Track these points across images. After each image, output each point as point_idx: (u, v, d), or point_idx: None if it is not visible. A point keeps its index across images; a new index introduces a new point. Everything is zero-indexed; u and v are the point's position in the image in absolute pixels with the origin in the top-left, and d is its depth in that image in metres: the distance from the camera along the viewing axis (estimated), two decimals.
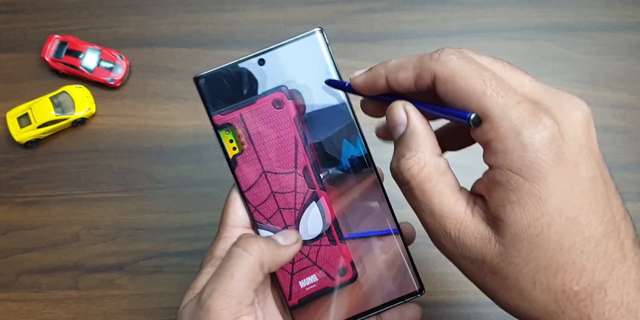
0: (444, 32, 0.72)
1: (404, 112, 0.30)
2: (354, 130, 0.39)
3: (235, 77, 0.38)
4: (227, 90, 0.38)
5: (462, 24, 0.72)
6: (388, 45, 0.71)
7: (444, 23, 0.72)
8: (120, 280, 0.66)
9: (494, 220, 0.28)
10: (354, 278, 0.40)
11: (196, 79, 0.38)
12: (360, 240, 0.40)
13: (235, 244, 0.36)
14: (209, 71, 0.38)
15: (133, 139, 0.70)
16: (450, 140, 0.36)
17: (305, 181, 0.39)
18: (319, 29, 0.38)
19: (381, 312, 0.40)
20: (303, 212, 0.40)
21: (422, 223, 0.31)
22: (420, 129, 0.30)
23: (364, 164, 0.39)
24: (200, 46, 0.72)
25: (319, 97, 0.39)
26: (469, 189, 0.31)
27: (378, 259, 0.40)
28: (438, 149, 0.30)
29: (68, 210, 0.68)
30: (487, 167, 0.29)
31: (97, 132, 0.71)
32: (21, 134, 0.69)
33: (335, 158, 0.39)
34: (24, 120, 0.69)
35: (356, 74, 0.33)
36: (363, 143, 0.39)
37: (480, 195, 0.29)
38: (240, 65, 0.38)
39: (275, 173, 0.39)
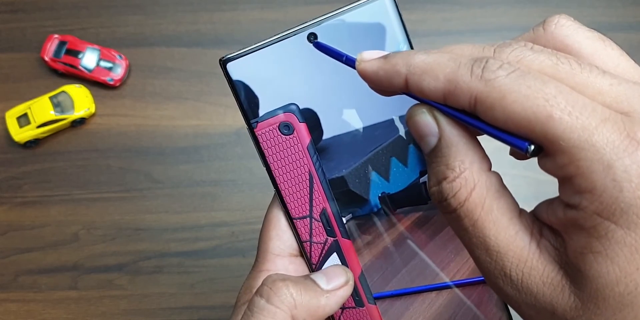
0: (445, 31, 0.71)
1: (432, 118, 0.23)
2: (386, 159, 0.31)
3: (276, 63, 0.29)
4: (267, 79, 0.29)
5: (463, 24, 0.72)
6: None
7: (445, 22, 0.72)
8: (120, 280, 0.66)
9: (569, 266, 0.22)
10: None
11: (224, 62, 0.29)
12: (395, 299, 0.32)
13: (257, 292, 0.28)
14: (240, 52, 0.29)
15: (132, 139, 0.70)
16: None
17: (323, 227, 0.31)
18: None
19: None
20: (321, 267, 0.31)
21: (473, 259, 0.24)
22: (458, 139, 0.23)
23: (399, 202, 0.31)
24: (200, 46, 0.72)
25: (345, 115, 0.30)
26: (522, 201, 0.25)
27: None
28: (487, 161, 0.23)
29: (67, 211, 0.68)
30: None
31: (96, 132, 0.70)
32: (20, 134, 0.69)
33: (362, 196, 0.31)
34: (23, 120, 0.69)
35: (366, 57, 0.25)
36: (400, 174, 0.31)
37: (549, 226, 0.23)
38: (283, 43, 0.29)
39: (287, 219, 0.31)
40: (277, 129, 0.30)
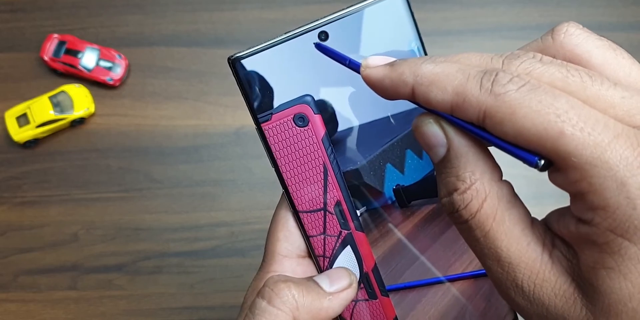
0: (445, 31, 0.71)
1: (440, 128, 0.23)
2: (401, 151, 0.31)
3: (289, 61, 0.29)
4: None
5: (463, 23, 0.71)
6: None
7: (445, 22, 0.71)
8: (119, 280, 0.66)
9: (581, 279, 0.22)
10: None
11: (233, 61, 0.28)
12: (408, 291, 0.32)
13: (259, 294, 0.28)
14: (249, 51, 0.28)
15: (132, 138, 0.70)
16: None
17: (337, 220, 0.30)
18: None
19: None
20: (335, 260, 0.31)
21: (485, 269, 0.24)
22: (467, 149, 0.23)
23: (414, 195, 0.31)
24: (200, 45, 0.71)
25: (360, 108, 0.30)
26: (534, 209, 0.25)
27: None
28: (498, 171, 0.23)
29: (67, 211, 0.68)
30: None
31: (95, 132, 0.70)
32: (20, 134, 0.69)
33: (377, 189, 0.31)
34: (23, 119, 0.69)
35: (371, 63, 0.24)
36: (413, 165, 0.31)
37: (561, 237, 0.23)
38: (293, 42, 0.28)
39: (300, 212, 0.30)
40: (292, 120, 0.29)
